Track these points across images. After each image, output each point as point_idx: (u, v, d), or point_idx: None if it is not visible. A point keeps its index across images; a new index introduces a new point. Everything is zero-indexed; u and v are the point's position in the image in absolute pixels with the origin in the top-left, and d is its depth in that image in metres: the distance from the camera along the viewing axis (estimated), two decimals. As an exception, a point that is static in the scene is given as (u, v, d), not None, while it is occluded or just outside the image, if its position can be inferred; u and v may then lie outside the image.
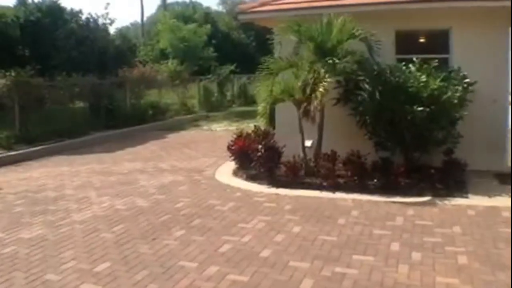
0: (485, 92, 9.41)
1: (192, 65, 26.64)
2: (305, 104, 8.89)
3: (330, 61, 8.60)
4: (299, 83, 8.96)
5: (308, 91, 8.83)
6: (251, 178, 9.70)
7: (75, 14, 24.17)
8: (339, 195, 8.58)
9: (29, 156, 13.60)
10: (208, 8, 38.51)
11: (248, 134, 10.99)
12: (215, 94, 26.83)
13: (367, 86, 8.61)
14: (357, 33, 8.88)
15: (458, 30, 9.92)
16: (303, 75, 8.92)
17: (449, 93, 8.72)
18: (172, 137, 17.30)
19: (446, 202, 8.06)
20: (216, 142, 12.93)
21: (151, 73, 22.48)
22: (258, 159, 9.55)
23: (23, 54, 21.82)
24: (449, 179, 8.70)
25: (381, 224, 7.00)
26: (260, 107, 10.05)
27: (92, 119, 18.20)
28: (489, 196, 8.30)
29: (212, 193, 9.04)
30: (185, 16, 35.93)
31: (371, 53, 9.03)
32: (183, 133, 18.53)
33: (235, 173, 10.33)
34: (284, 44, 9.55)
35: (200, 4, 41.65)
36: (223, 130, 17.85)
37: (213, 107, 25.37)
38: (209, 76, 27.20)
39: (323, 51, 8.97)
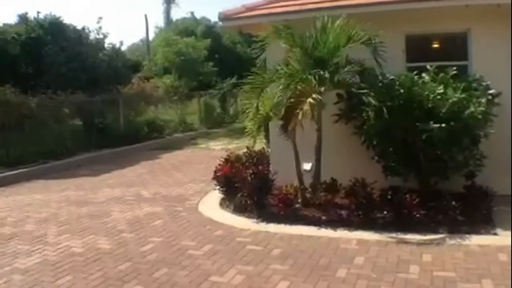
0: (510, 104, 8.04)
1: (190, 80, 25.38)
2: (286, 118, 7.52)
3: (323, 71, 7.19)
4: (278, 97, 7.54)
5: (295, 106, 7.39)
6: (239, 210, 8.27)
7: (72, 30, 23.13)
8: (341, 233, 7.12)
9: (4, 181, 12.42)
10: (209, 21, 37.14)
11: (238, 158, 9.61)
12: (217, 110, 25.55)
13: (372, 100, 7.15)
14: (357, 36, 7.46)
15: (478, 33, 8.54)
16: (292, 88, 7.48)
17: (472, 107, 7.28)
18: (165, 158, 16.03)
19: (471, 241, 6.58)
20: (210, 164, 11.46)
21: (149, 89, 21.36)
22: (246, 188, 8.11)
23: (26, 72, 20.84)
24: (473, 210, 7.24)
25: (391, 277, 5.51)
26: (248, 127, 8.65)
27: (82, 139, 17.18)
28: (520, 231, 6.84)
29: (189, 230, 7.61)
30: (188, 31, 34.79)
31: (377, 60, 7.61)
32: (177, 152, 17.23)
33: (222, 203, 8.91)
34: (272, 53, 8.23)
35: (208, 20, 40.24)
36: (221, 149, 16.47)
37: (215, 124, 24.15)
38: (210, 91, 25.94)
39: (317, 59, 7.56)
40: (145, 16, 66.40)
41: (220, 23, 10.11)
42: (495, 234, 6.85)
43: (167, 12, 54.05)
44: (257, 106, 7.97)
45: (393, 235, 6.85)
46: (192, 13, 44.36)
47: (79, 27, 22.44)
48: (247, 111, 8.40)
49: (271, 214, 7.79)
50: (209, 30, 35.29)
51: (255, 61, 8.37)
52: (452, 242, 6.58)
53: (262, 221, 7.75)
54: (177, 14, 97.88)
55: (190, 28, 36.32)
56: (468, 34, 8.66)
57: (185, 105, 24.08)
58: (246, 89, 8.10)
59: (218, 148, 16.93)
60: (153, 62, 31.38)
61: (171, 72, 26.78)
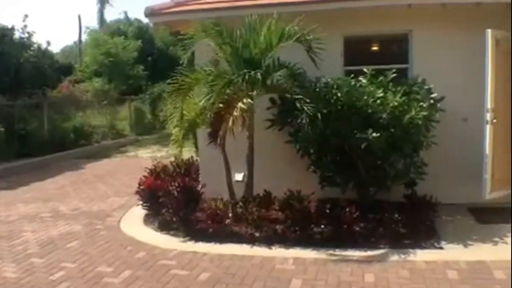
0: (452, 110, 7.69)
1: (120, 84, 24.23)
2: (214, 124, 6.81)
3: (254, 72, 6.51)
4: (206, 101, 6.75)
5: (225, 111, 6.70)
6: (164, 227, 7.44)
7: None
8: (276, 251, 6.47)
9: None
10: (142, 22, 35.86)
11: (164, 168, 8.83)
12: (148, 116, 24.53)
13: (306, 106, 6.54)
14: (290, 34, 6.84)
15: (420, 34, 8.16)
16: (221, 91, 6.74)
17: (413, 112, 6.81)
18: (91, 167, 14.98)
19: (416, 257, 6.10)
20: (138, 174, 10.68)
21: (77, 93, 20.17)
22: (171, 203, 7.34)
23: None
24: (416, 222, 6.80)
25: (331, 304, 4.90)
26: (173, 134, 7.89)
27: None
28: (469, 244, 6.47)
29: (107, 253, 6.75)
30: (121, 32, 33.45)
31: (313, 59, 7.00)
32: (105, 161, 16.21)
33: (146, 220, 8.07)
34: (201, 53, 7.61)
35: (141, 21, 38.80)
36: (150, 157, 15.56)
37: (145, 130, 23.14)
38: (142, 95, 24.88)
39: (248, 60, 6.90)
40: (79, 16, 64.03)
41: (147, 19, 9.20)
42: (441, 248, 6.43)
43: (101, 13, 52.26)
44: (181, 111, 7.20)
45: (332, 252, 6.28)
46: (125, 13, 43.03)
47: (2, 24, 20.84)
48: (171, 117, 7.60)
49: (200, 231, 7.02)
50: (142, 31, 34.07)
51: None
52: (396, 258, 6.08)
53: (190, 239, 6.99)
54: (111, 15, 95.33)
55: (122, 29, 34.98)
56: (410, 36, 8.25)
57: (115, 110, 22.96)
58: (170, 92, 7.29)
59: (147, 156, 16.01)
60: (84, 64, 30.02)
61: (101, 75, 25.54)
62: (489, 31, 7.18)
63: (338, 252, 6.27)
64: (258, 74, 6.56)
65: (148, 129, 23.44)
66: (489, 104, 7.29)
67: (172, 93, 7.21)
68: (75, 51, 41.79)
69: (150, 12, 8.47)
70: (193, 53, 7.73)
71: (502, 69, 7.37)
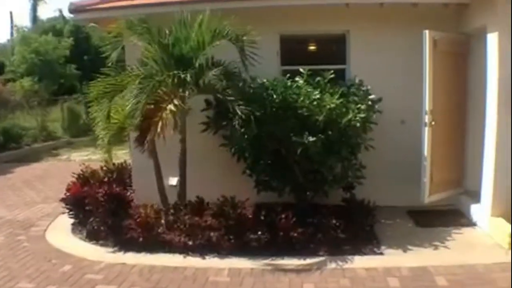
0: (391, 111, 7.56)
1: (51, 84, 23.16)
2: (143, 128, 6.36)
3: (185, 72, 6.13)
4: (137, 103, 6.19)
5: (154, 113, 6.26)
6: (92, 237, 6.96)
7: None
8: (210, 261, 6.14)
9: None
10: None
11: (94, 173, 8.32)
12: (83, 117, 23.55)
13: (239, 108, 6.23)
14: (224, 33, 6.49)
15: (357, 35, 8.02)
16: (150, 92, 6.28)
17: (350, 114, 6.62)
18: (19, 172, 14.09)
19: (356, 264, 5.92)
20: (69, 179, 10.07)
21: (6, 93, 19.14)
22: (98, 211, 6.88)
23: None
24: (355, 227, 6.64)
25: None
26: (99, 138, 7.42)
27: None
28: (410, 249, 6.37)
29: (30, 266, 6.20)
30: (55, 30, 32.11)
31: (244, 61, 6.68)
32: (35, 165, 15.31)
33: (74, 229, 7.53)
34: (131, 52, 7.23)
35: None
36: (84, 160, 14.89)
37: (80, 132, 22.11)
38: (76, 96, 23.89)
39: (178, 59, 6.50)
40: (10, 13, 61.67)
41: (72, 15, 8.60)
42: (381, 253, 6.29)
43: (34, 10, 50.28)
44: (108, 114, 6.73)
45: (269, 261, 6.01)
46: (60, 10, 41.38)
47: None
48: (96, 120, 7.11)
49: (130, 240, 6.56)
50: (78, 30, 32.89)
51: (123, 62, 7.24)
52: (336, 266, 5.88)
53: (119, 249, 6.55)
54: (45, 12, 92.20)
55: (57, 27, 33.64)
56: (347, 36, 8.08)
57: (47, 111, 21.93)
58: (95, 93, 6.78)
59: (81, 160, 15.29)
60: (14, 63, 28.60)
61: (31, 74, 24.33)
62: (426, 31, 7.08)
63: (275, 261, 6.02)
64: (189, 74, 6.17)
65: (83, 131, 22.36)
66: (427, 106, 7.20)
67: (97, 95, 6.70)
68: (10, 49, 40.08)
69: (75, 8, 7.91)
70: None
71: (440, 71, 7.30)
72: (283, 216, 6.35)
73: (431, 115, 7.23)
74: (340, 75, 7.77)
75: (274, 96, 6.70)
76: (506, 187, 6.75)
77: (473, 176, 7.85)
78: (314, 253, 6.18)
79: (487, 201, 7.01)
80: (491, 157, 6.91)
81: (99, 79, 6.72)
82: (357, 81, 7.42)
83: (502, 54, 6.69)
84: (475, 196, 7.58)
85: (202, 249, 6.30)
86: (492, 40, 6.84)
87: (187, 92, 6.46)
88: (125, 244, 6.57)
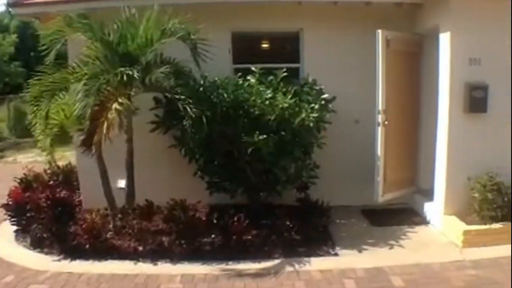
0: (344, 111, 7.49)
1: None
2: (89, 129, 6.01)
3: (131, 69, 5.86)
4: (81, 103, 5.85)
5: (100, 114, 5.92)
6: (37, 244, 6.56)
7: None
8: (162, 267, 5.88)
9: None
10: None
11: (37, 177, 7.94)
12: (30, 116, 22.70)
13: (189, 106, 6.02)
14: (173, 30, 6.22)
15: (311, 33, 7.89)
16: (94, 91, 5.92)
17: (303, 113, 6.50)
18: (-40, 175, 13.45)
19: (311, 266, 5.82)
20: (14, 183, 9.63)
21: None
22: (41, 217, 6.53)
23: None
24: (309, 228, 6.49)
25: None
26: (38, 140, 7.09)
27: None
28: (365, 249, 6.33)
29: (-31, 278, 5.84)
30: (2, 25, 30.91)
31: (195, 59, 6.44)
32: (-22, 168, 14.69)
33: (18, 236, 7.08)
34: (74, 49, 6.82)
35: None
36: (30, 162, 14.33)
37: (26, 132, 21.26)
38: (22, 94, 23.03)
39: (124, 56, 6.19)
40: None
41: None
42: (336, 254, 6.21)
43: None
44: (46, 114, 6.38)
45: (224, 265, 5.83)
46: (6, 5, 39.97)
47: None
48: (34, 121, 6.74)
49: (77, 248, 6.20)
50: (26, 25, 31.79)
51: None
52: (291, 268, 5.75)
53: (65, 258, 6.19)
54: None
55: (3, 22, 32.44)
56: (301, 35, 7.95)
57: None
58: (34, 92, 6.40)
59: (28, 162, 14.69)
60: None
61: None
62: (379, 31, 7.04)
63: (230, 265, 5.84)
64: (135, 72, 5.88)
65: (29, 131, 21.71)
66: (380, 106, 7.17)
67: (37, 95, 6.33)
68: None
69: (14, 3, 7.48)
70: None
71: (393, 70, 7.27)
72: (236, 218, 6.17)
73: (384, 114, 7.20)
74: (294, 73, 7.65)
75: (225, 95, 6.50)
76: (458, 185, 6.79)
77: (426, 174, 7.89)
78: (269, 256, 6.04)
79: (440, 199, 7.04)
80: (444, 156, 6.93)
81: (37, 77, 6.37)
82: (310, 80, 7.30)
83: (454, 54, 6.72)
84: (428, 195, 7.62)
85: (153, 255, 6.04)
86: (445, 40, 6.86)
87: (133, 91, 6.17)
88: (72, 251, 6.23)
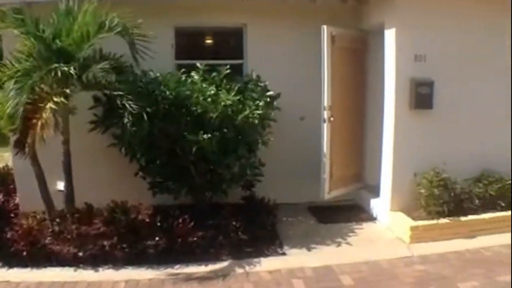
0: (289, 108, 7.39)
1: None
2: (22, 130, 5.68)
3: (68, 66, 5.53)
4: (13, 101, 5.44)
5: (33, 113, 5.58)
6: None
7: None
8: (104, 273, 5.57)
9: None
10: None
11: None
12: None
13: (129, 104, 5.75)
14: (112, 24, 5.91)
15: (255, 29, 7.72)
16: (27, 89, 5.53)
17: (247, 111, 6.35)
18: None
19: (260, 267, 5.67)
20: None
21: None
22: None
23: None
24: (256, 227, 6.34)
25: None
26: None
27: None
28: (313, 248, 6.23)
29: None
30: None
31: (134, 55, 6.13)
32: None
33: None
34: (10, 45, 6.38)
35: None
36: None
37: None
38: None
39: (59, 51, 5.82)
40: None
41: None
42: (284, 253, 6.09)
43: None
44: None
45: (169, 270, 5.59)
46: None
47: None
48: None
49: (14, 255, 5.79)
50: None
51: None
52: (239, 270, 5.60)
53: (3, 266, 5.76)
54: None
55: None
56: (244, 30, 7.78)
57: None
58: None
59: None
60: None
61: None
62: (324, 27, 6.98)
63: (176, 269, 5.61)
64: (72, 68, 5.56)
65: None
66: (326, 102, 7.11)
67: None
68: None
69: None
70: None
71: (339, 66, 7.24)
72: (181, 220, 5.96)
73: (330, 111, 7.16)
74: (238, 70, 7.49)
75: (167, 92, 6.24)
76: (404, 181, 6.83)
77: (372, 171, 7.91)
78: (216, 258, 5.85)
79: (387, 195, 7.07)
80: (390, 153, 6.95)
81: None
82: (254, 76, 7.15)
83: (399, 50, 6.74)
84: (375, 191, 7.63)
85: (95, 260, 5.72)
86: (390, 36, 6.88)
87: (69, 89, 5.85)
88: (9, 259, 5.80)
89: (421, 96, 6.72)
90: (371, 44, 7.90)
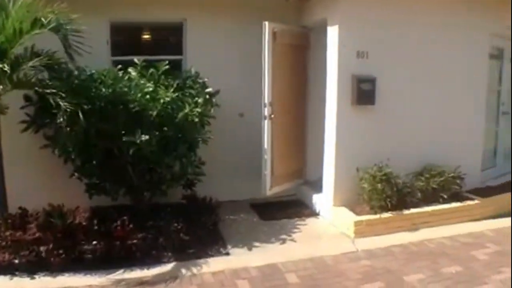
0: (230, 104, 7.33)
1: None
2: None
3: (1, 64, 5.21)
4: None
5: None
6: None
7: None
8: (40, 280, 5.25)
9: None
10: None
11: None
12: None
13: (62, 102, 5.46)
14: (46, 20, 5.59)
15: (194, 24, 7.58)
16: None
17: (187, 108, 6.19)
18: None
19: (203, 268, 5.50)
20: None
21: None
22: None
23: None
24: (199, 227, 6.21)
25: None
26: None
27: None
28: (257, 246, 6.14)
29: None
30: None
31: (67, 51, 5.84)
32: None
33: None
34: None
35: None
36: None
37: None
38: None
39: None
40: None
41: None
42: (227, 253, 5.95)
43: None
44: None
45: (109, 275, 5.32)
46: None
47: None
48: None
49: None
50: None
51: None
52: (182, 273, 5.40)
53: None
54: None
55: None
56: (184, 26, 7.60)
57: None
58: None
59: None
60: None
61: None
62: (266, 23, 6.92)
63: (115, 274, 5.34)
64: (5, 65, 5.25)
65: None
66: (266, 99, 7.06)
67: None
68: None
69: None
70: None
71: (280, 63, 7.20)
72: (119, 222, 5.73)
73: (270, 107, 7.10)
74: (177, 66, 7.33)
75: (103, 90, 5.99)
76: (347, 176, 6.87)
77: (314, 166, 7.94)
78: (157, 261, 5.63)
79: (329, 191, 7.09)
80: (332, 148, 6.97)
81: None
82: (193, 72, 6.99)
83: (342, 47, 6.74)
84: (316, 186, 7.65)
85: (31, 267, 5.40)
86: (333, 33, 6.89)
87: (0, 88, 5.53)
88: None
89: (363, 92, 6.77)
90: (313, 41, 7.91)
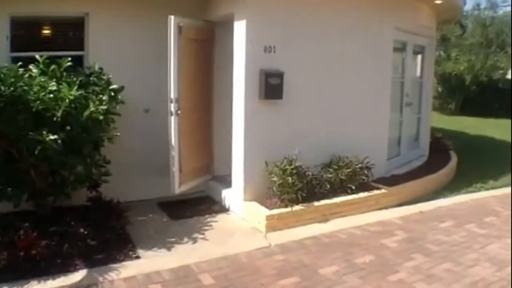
0: (134, 101, 7.08)
1: None
2: None
3: None
4: None
5: None
6: None
7: None
8: None
9: None
10: None
11: None
12: None
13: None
14: None
15: (97, 18, 7.21)
16: None
17: (92, 106, 5.90)
18: None
19: (112, 275, 5.22)
20: None
21: None
22: None
23: None
24: (105, 230, 5.96)
25: None
26: None
27: None
28: (167, 247, 5.96)
29: None
30: None
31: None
32: None
33: None
34: None
35: None
36: None
37: None
38: None
39: None
40: None
41: None
42: (138, 257, 5.71)
43: None
44: None
45: (16, 287, 4.94)
46: None
47: None
48: None
49: None
50: None
51: None
52: (90, 281, 5.06)
53: None
54: None
55: None
56: (86, 20, 7.22)
57: None
58: None
59: None
60: None
61: None
62: (171, 17, 6.77)
63: (22, 286, 4.92)
64: None
65: None
66: (172, 94, 6.90)
67: None
68: None
69: None
70: None
71: (186, 58, 7.08)
72: (22, 231, 5.38)
73: (177, 103, 6.96)
74: (79, 62, 6.99)
75: (2, 88, 5.56)
76: (256, 171, 6.90)
77: (221, 162, 7.89)
78: (63, 270, 5.24)
79: (239, 186, 7.07)
80: (241, 143, 6.94)
81: None
82: (97, 68, 6.67)
83: (249, 42, 6.71)
84: (225, 181, 7.63)
85: None
86: (240, 28, 6.84)
87: None
88: None
89: (271, 86, 6.79)
90: (219, 36, 7.84)
